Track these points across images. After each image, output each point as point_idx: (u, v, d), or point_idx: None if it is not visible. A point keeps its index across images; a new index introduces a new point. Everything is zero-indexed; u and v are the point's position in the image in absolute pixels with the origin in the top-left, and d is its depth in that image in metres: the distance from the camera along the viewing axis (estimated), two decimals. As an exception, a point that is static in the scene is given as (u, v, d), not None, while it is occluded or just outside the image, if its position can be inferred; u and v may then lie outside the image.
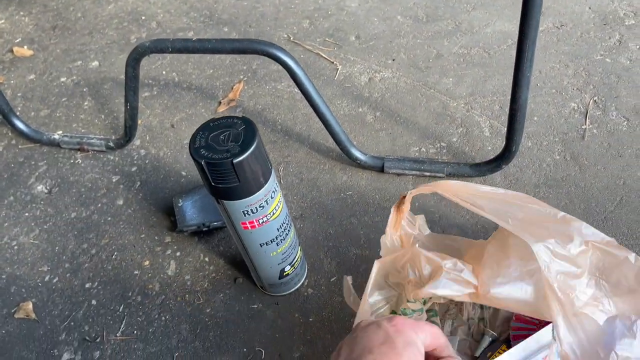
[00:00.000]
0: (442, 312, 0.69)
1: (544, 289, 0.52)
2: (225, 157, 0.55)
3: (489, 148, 0.91)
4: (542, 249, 0.54)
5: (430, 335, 0.46)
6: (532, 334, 0.63)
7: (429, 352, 0.47)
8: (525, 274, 0.56)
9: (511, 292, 0.56)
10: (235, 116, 0.59)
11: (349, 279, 0.64)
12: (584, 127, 0.91)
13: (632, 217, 0.79)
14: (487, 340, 0.67)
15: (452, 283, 0.57)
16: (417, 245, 0.67)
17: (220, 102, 1.08)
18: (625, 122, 0.91)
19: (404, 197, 0.64)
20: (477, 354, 0.66)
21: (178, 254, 0.84)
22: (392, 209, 0.64)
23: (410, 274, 0.60)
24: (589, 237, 0.58)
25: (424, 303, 0.64)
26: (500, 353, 0.65)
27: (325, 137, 0.96)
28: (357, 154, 0.89)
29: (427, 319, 0.67)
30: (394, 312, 0.62)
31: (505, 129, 0.81)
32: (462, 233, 0.80)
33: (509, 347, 0.65)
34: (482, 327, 0.68)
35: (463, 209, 0.81)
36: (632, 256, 0.59)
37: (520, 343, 0.54)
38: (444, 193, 0.62)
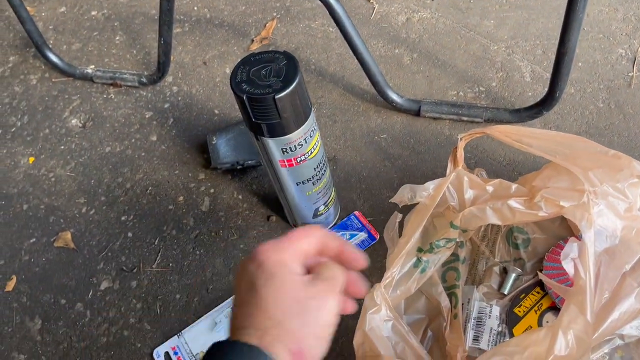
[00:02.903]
0: (474, 252, 0.69)
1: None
2: (267, 92, 0.54)
3: (530, 94, 0.88)
4: (590, 175, 0.53)
5: (299, 242, 0.40)
6: (563, 277, 0.62)
7: (318, 255, 0.41)
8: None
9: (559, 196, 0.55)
10: (276, 51, 0.57)
11: (398, 216, 0.64)
12: (630, 74, 0.88)
13: (676, 169, 0.76)
14: (512, 276, 0.67)
15: None
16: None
17: (252, 40, 1.06)
18: (676, 71, 0.87)
19: (456, 148, 0.63)
20: (505, 290, 0.66)
21: (212, 190, 0.85)
22: (449, 163, 0.63)
23: (449, 200, 0.60)
24: None
25: (464, 232, 0.63)
26: (535, 295, 0.65)
27: (359, 79, 0.94)
28: (394, 96, 0.87)
29: (450, 264, 0.67)
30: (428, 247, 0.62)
31: (548, 74, 0.78)
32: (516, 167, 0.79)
33: (543, 288, 0.66)
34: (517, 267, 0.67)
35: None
36: None
37: None
38: (494, 134, 0.61)
